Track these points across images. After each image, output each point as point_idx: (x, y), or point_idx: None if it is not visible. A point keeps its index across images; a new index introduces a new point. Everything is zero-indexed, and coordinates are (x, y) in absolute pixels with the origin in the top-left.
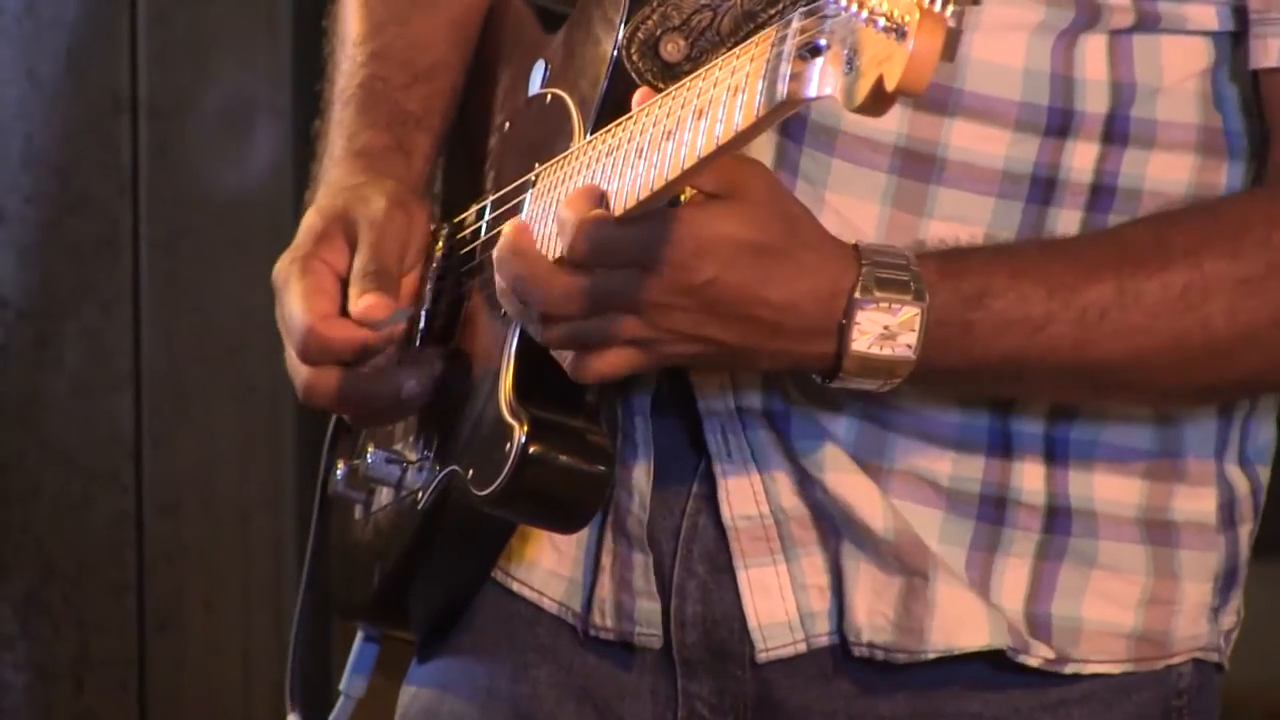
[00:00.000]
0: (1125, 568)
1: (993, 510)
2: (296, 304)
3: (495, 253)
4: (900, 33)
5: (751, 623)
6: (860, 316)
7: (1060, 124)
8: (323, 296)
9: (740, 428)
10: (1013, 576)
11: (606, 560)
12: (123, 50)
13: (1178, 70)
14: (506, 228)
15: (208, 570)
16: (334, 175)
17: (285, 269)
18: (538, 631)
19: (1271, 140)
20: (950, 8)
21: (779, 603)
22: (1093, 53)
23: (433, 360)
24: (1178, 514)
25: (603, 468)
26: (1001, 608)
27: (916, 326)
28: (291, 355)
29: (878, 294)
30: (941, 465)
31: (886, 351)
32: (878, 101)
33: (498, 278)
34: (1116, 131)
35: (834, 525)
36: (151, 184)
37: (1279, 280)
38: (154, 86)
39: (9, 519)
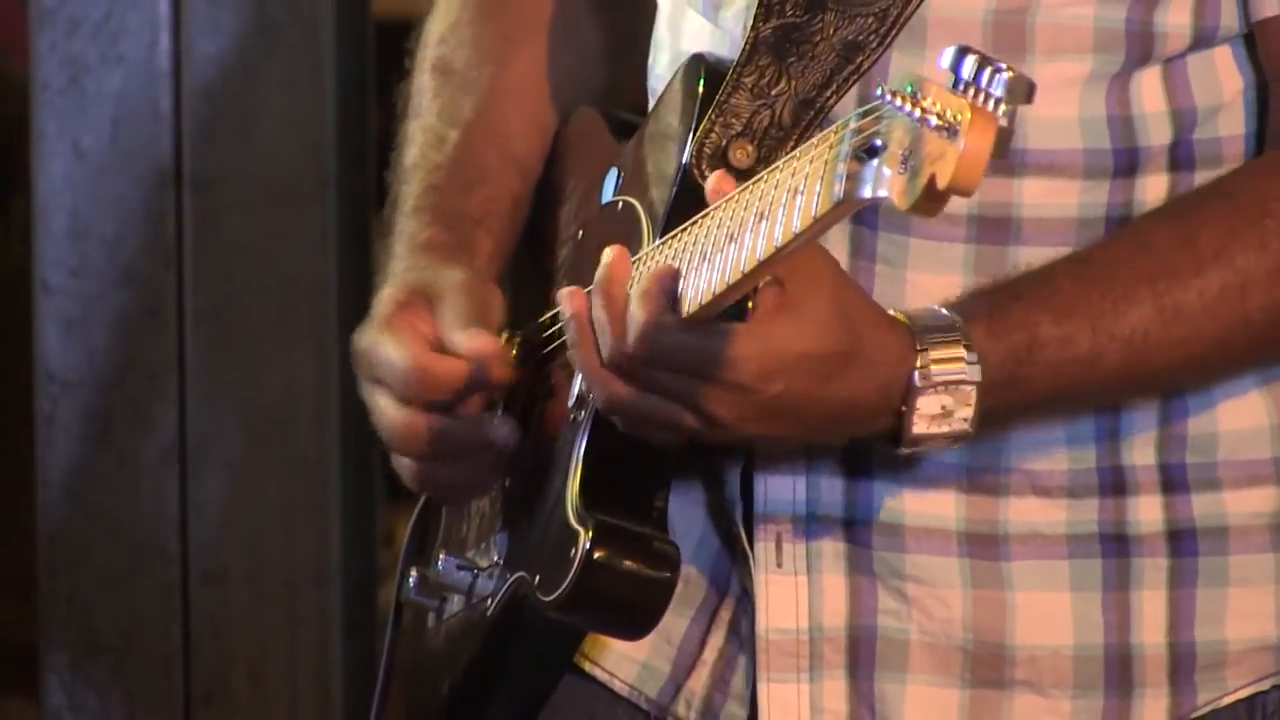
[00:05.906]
0: (1257, 580)
1: (1114, 545)
2: (395, 351)
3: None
4: (952, 131)
5: None
6: (920, 402)
7: (1127, 163)
8: (420, 342)
9: (804, 536)
10: (1151, 611)
11: (710, 655)
12: (167, 124)
13: (1235, 81)
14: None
15: (254, 641)
16: (400, 267)
17: (371, 335)
18: (617, 712)
19: (1273, 99)
20: (1002, 107)
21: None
22: (1149, 86)
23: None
24: None
25: (668, 574)
26: (1142, 644)
27: (973, 401)
28: (383, 408)
29: (935, 378)
30: (1057, 514)
31: (945, 429)
32: (931, 201)
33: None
34: (1182, 157)
35: (870, 649)
36: (196, 257)
37: None
38: (199, 160)
39: (55, 589)
